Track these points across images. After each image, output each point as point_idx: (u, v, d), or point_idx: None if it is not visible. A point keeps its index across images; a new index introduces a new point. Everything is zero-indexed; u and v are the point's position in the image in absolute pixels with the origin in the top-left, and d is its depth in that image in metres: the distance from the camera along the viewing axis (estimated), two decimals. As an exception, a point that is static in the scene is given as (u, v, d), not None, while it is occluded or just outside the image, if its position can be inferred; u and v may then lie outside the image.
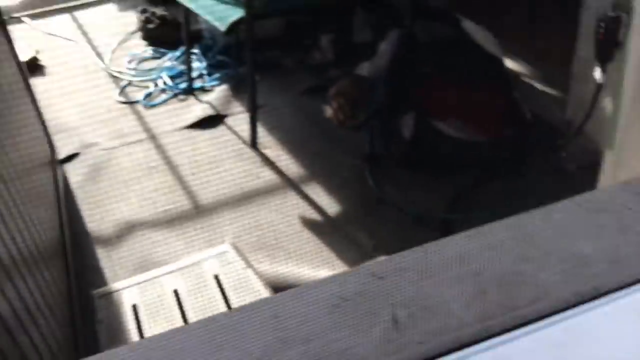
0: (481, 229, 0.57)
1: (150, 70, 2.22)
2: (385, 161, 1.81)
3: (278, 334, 0.45)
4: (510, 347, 0.44)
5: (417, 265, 0.54)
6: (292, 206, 1.59)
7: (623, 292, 0.48)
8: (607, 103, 1.28)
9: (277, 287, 1.31)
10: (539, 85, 1.93)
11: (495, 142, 1.61)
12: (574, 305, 0.47)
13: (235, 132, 1.84)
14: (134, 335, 1.22)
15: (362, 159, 1.79)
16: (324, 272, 1.35)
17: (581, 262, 0.51)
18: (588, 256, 0.52)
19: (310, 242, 1.49)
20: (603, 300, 0.47)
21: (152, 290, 1.31)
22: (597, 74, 1.29)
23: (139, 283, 1.34)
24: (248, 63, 1.82)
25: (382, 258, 0.57)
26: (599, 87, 1.30)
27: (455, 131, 1.64)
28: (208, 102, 2.02)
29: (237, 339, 0.44)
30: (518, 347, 0.44)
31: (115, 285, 1.33)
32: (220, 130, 1.87)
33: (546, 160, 1.54)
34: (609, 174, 0.98)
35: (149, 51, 2.32)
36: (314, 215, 1.56)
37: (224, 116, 1.92)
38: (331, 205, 1.64)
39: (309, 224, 1.52)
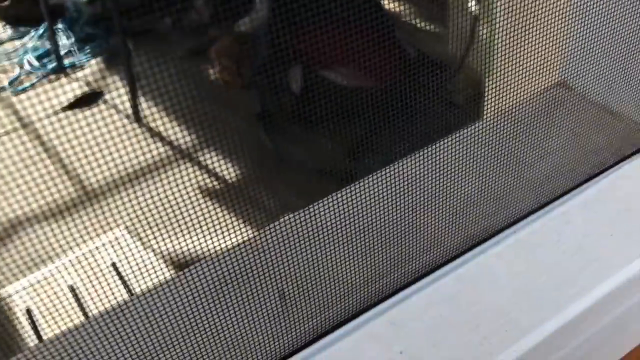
0: (364, 182, 0.53)
1: (13, 52, 2.04)
2: (279, 118, 1.76)
3: (153, 336, 0.40)
4: (403, 307, 0.42)
5: (301, 230, 0.50)
6: (188, 177, 1.51)
7: (511, 229, 0.46)
8: (484, 33, 1.28)
9: (182, 264, 1.25)
10: (419, 23, 1.92)
11: (383, 85, 1.60)
12: (465, 252, 0.45)
13: (116, 108, 1.72)
14: (32, 342, 1.13)
15: (255, 118, 1.73)
16: (230, 241, 1.30)
17: (468, 202, 0.49)
18: (474, 195, 0.50)
19: (213, 211, 1.43)
20: (493, 240, 0.46)
21: (46, 290, 1.21)
22: (472, 4, 1.28)
23: (30, 285, 1.24)
24: (118, 32, 1.70)
25: (263, 229, 0.53)
26: (475, 18, 1.30)
27: (343, 79, 1.61)
28: (82, 80, 1.88)
29: (101, 353, 0.39)
30: (411, 306, 0.42)
31: (4, 291, 1.22)
32: (99, 108, 1.75)
33: (435, 96, 1.55)
34: (492, 103, 0.98)
35: (7, 32, 2.11)
36: (213, 183, 1.50)
37: (102, 92, 1.80)
38: (230, 171, 1.58)
39: (208, 193, 1.46)
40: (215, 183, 1.59)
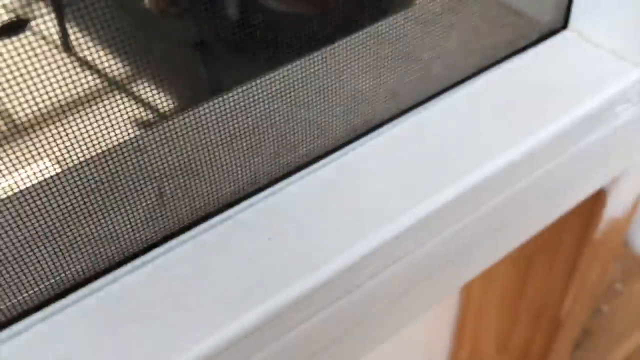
0: (258, 81, 0.52)
1: None
2: (216, 47, 1.71)
3: (26, 235, 0.39)
4: (279, 197, 0.41)
5: (186, 130, 0.48)
6: (122, 109, 1.47)
7: (396, 121, 0.46)
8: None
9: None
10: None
11: (322, 10, 1.56)
12: (348, 143, 0.44)
13: (43, 37, 1.65)
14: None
15: (191, 47, 1.67)
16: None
17: (361, 99, 0.48)
18: (368, 92, 0.49)
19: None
20: (377, 132, 0.45)
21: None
22: None
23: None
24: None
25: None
26: None
27: (282, 5, 1.56)
28: (4, 7, 1.78)
29: None
30: (287, 196, 0.41)
31: None
32: (25, 37, 1.66)
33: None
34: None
35: None
36: (148, 115, 1.46)
37: (27, 20, 1.71)
38: (165, 102, 1.54)
39: (143, 125, 1.43)
40: (151, 114, 1.55)
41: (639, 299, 1.21)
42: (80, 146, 0.49)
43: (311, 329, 0.39)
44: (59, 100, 0.54)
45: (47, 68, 0.46)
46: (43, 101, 0.45)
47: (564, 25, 0.53)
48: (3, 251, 0.38)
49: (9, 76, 0.49)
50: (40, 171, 0.45)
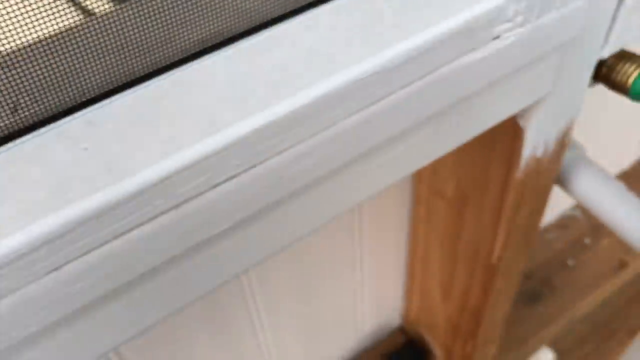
0: (120, 8, 0.50)
1: None
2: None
3: None
4: (107, 109, 0.39)
5: (49, 49, 0.46)
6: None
7: (250, 36, 0.43)
8: None
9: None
10: None
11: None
12: (192, 58, 0.42)
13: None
14: None
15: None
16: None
17: (211, 12, 0.46)
18: (218, 4, 0.46)
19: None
20: (227, 47, 0.42)
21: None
22: None
23: None
24: None
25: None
26: None
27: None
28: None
29: None
30: (115, 108, 0.39)
31: None
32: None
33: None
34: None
35: None
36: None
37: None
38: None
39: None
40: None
41: (605, 253, 1.16)
42: None
43: (126, 249, 0.37)
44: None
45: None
46: None
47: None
48: None
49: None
50: None
